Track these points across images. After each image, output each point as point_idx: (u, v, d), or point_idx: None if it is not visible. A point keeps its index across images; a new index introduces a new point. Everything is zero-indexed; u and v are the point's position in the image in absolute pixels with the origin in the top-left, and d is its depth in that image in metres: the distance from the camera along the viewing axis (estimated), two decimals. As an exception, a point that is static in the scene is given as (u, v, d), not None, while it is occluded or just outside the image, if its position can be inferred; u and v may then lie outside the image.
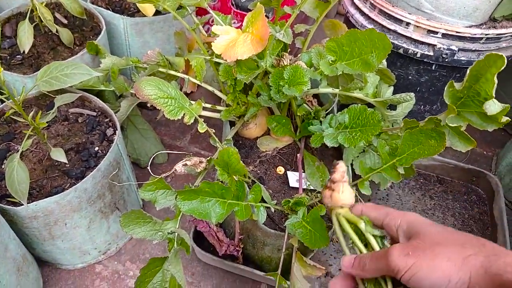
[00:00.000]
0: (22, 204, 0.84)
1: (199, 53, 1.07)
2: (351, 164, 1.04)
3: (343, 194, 0.58)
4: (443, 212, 1.32)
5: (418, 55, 1.09)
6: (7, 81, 1.09)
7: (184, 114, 0.82)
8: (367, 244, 0.54)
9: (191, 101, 0.87)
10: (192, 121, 0.84)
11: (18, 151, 0.89)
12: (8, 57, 1.20)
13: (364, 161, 0.97)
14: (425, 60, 1.09)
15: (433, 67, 1.11)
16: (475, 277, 0.40)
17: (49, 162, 0.97)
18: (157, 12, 1.35)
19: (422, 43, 1.07)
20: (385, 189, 1.39)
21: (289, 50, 1.00)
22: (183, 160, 0.84)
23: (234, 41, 0.86)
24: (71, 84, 0.78)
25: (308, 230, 0.83)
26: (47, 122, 1.06)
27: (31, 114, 0.89)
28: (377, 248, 0.53)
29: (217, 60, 1.06)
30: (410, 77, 1.17)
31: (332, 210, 0.59)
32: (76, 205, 0.92)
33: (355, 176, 1.00)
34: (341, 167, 0.60)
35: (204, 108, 1.09)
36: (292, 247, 0.91)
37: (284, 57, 0.97)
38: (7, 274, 0.85)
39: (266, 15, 0.83)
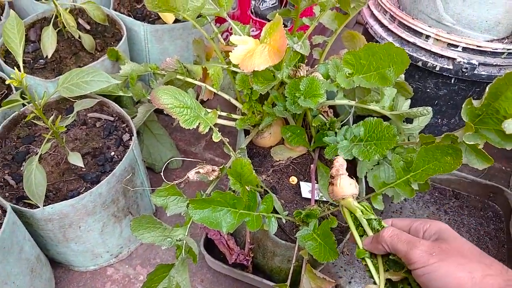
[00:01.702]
0: (39, 207, 0.86)
1: (217, 61, 1.08)
2: (365, 177, 1.02)
3: (341, 186, 0.65)
4: (458, 227, 1.29)
5: (437, 69, 1.07)
6: (29, 85, 1.11)
7: (199, 123, 0.83)
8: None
9: (207, 110, 0.88)
10: (207, 130, 0.84)
11: (37, 154, 0.91)
12: (31, 61, 1.23)
13: (378, 174, 0.96)
14: (444, 73, 1.07)
15: (452, 81, 1.10)
16: None
17: (66, 165, 0.99)
18: (177, 20, 1.36)
19: (442, 56, 1.06)
20: (398, 203, 1.37)
21: (306, 61, 1.00)
22: (196, 168, 0.85)
23: (251, 52, 0.86)
24: (91, 91, 0.80)
25: (318, 243, 0.82)
26: (66, 126, 1.08)
27: (51, 118, 0.91)
28: (369, 232, 0.60)
29: (234, 69, 1.06)
30: (428, 90, 1.16)
31: (339, 203, 0.66)
32: (90, 209, 0.94)
33: (368, 189, 0.99)
34: (337, 162, 0.68)
35: (220, 116, 1.09)
36: (302, 259, 0.91)
37: (301, 68, 0.97)
38: (21, 275, 0.87)
39: (284, 24, 0.83)
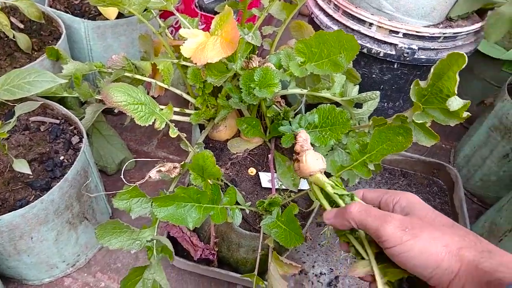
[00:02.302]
0: (-16, 220, 0.80)
1: (166, 56, 1.06)
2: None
3: (307, 162, 0.61)
4: (408, 204, 1.37)
5: (381, 54, 1.12)
6: (-40, 90, 1.02)
7: (155, 119, 0.81)
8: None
9: (161, 106, 0.86)
10: (163, 126, 0.83)
11: (-23, 163, 0.84)
12: (-40, 64, 1.13)
13: (333, 159, 0.99)
14: (387, 59, 1.13)
15: (395, 66, 1.15)
16: (465, 269, 0.41)
17: (11, 174, 0.92)
18: (120, 15, 1.32)
19: (385, 42, 1.11)
20: (353, 186, 1.43)
21: (257, 52, 1.01)
22: (157, 167, 0.83)
23: (203, 44, 0.85)
24: (35, 92, 0.75)
25: (283, 230, 0.84)
26: (6, 132, 1.01)
27: (-11, 125, 0.84)
28: (341, 203, 0.56)
29: (184, 63, 1.05)
30: (373, 76, 1.21)
31: (306, 179, 0.62)
32: (42, 218, 0.88)
33: (326, 175, 1.02)
34: (300, 137, 0.64)
35: (174, 112, 1.07)
36: (268, 248, 0.92)
37: (252, 59, 0.97)
38: (-30, 295, 0.81)
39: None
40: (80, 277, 1.11)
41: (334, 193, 0.58)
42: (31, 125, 1.05)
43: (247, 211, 0.96)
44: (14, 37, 1.13)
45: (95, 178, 1.06)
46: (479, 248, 0.42)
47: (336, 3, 1.15)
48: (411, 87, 0.68)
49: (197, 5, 1.62)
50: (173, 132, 0.85)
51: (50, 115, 1.07)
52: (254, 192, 1.06)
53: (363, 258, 0.52)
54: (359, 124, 1.06)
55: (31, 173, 0.90)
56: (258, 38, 0.90)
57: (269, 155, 1.08)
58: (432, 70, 0.65)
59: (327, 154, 1.08)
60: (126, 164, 1.31)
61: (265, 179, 1.07)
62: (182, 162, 0.87)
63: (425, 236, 0.43)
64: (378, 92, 0.93)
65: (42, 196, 0.87)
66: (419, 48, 1.09)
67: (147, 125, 0.79)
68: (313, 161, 0.62)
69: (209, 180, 0.80)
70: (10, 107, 1.03)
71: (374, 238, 0.48)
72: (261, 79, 0.86)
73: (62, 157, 0.98)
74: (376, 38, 1.11)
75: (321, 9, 1.21)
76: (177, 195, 0.73)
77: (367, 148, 0.82)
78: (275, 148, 1.13)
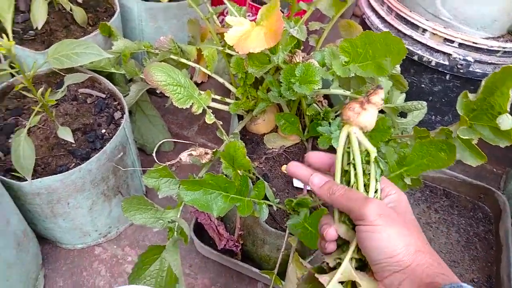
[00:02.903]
0: (26, 180, 0.85)
1: (212, 43, 1.07)
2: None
3: (373, 118, 0.53)
4: (447, 227, 1.31)
5: (433, 63, 1.07)
6: (18, 55, 1.08)
7: (192, 103, 0.82)
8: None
9: (201, 91, 0.87)
10: (200, 111, 0.84)
11: (25, 126, 0.89)
12: (21, 32, 1.20)
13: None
14: (439, 69, 1.08)
15: (447, 77, 1.10)
16: (412, 268, 0.44)
17: (55, 140, 0.97)
18: (173, -1, 1.34)
19: (438, 51, 1.06)
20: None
21: (302, 47, 0.99)
22: (189, 150, 0.84)
23: (247, 34, 0.85)
24: (81, 64, 0.78)
25: (309, 231, 0.83)
26: (56, 100, 1.06)
27: (40, 91, 0.89)
28: (373, 186, 0.52)
29: (229, 51, 1.05)
30: (423, 86, 1.16)
31: (348, 125, 0.54)
32: (79, 186, 0.92)
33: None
34: (382, 93, 0.55)
35: (213, 100, 1.08)
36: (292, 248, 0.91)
37: (296, 54, 0.96)
38: (7, 248, 0.86)
39: (281, 10, 0.82)
40: (109, 248, 1.15)
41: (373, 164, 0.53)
42: (79, 96, 1.09)
43: (275, 208, 0.95)
44: (71, 10, 1.17)
45: (132, 154, 1.10)
46: (433, 257, 0.46)
47: (389, 5, 1.11)
48: (458, 98, 0.65)
49: (250, -5, 1.62)
50: (209, 118, 0.85)
51: (98, 89, 1.11)
52: (285, 190, 1.06)
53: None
54: (402, 134, 1.03)
55: (73, 142, 0.94)
56: (303, 32, 0.88)
57: (305, 155, 1.07)
58: (483, 82, 0.62)
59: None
60: (162, 143, 1.34)
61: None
62: (215, 150, 0.87)
63: (394, 228, 0.46)
64: (424, 103, 0.90)
65: (81, 165, 0.90)
66: (475, 61, 1.03)
67: (184, 107, 0.81)
68: (374, 122, 0.54)
69: (239, 171, 0.80)
70: (61, 76, 1.08)
71: (350, 216, 0.50)
72: (302, 75, 0.84)
73: (103, 130, 1.01)
74: (428, 46, 1.07)
75: (374, 10, 1.17)
76: (205, 181, 0.74)
77: (405, 161, 0.79)
78: (312, 149, 1.11)
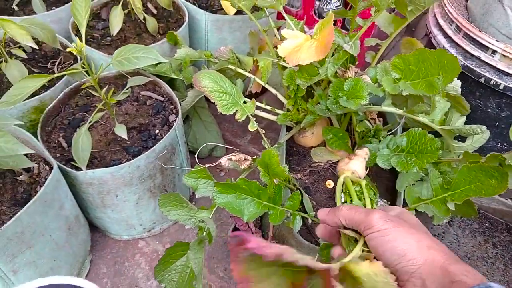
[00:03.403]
0: (82, 170, 0.92)
1: (268, 55, 1.09)
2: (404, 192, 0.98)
3: (360, 165, 0.71)
4: (505, 264, 1.19)
5: (501, 87, 0.99)
6: (93, 58, 1.19)
7: (236, 110, 0.84)
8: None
9: (246, 99, 0.89)
10: (243, 118, 0.85)
11: (89, 121, 0.97)
12: (99, 38, 1.32)
13: (414, 189, 0.91)
14: (508, 93, 0.99)
15: (517, 103, 1.01)
16: (429, 265, 0.43)
17: (113, 136, 1.05)
18: (238, 12, 1.39)
19: (508, 74, 0.98)
20: (440, 225, 1.29)
21: (357, 63, 0.97)
22: (229, 155, 0.86)
23: (300, 46, 0.86)
24: (140, 66, 0.84)
25: (341, 248, 0.80)
26: (120, 101, 1.15)
27: (104, 89, 0.97)
28: (368, 202, 0.62)
29: (284, 64, 1.06)
30: (489, 110, 1.07)
31: (342, 173, 0.69)
32: (128, 180, 0.98)
33: (405, 205, 0.94)
34: (367, 149, 0.77)
35: (264, 110, 1.10)
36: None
37: (350, 69, 0.94)
38: (58, 230, 0.94)
39: (346, 28, 0.82)
40: (152, 243, 1.20)
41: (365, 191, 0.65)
42: (141, 98, 1.17)
43: (310, 221, 0.93)
44: (144, 19, 1.27)
45: (182, 156, 1.14)
46: (448, 254, 0.45)
47: (458, 24, 1.05)
48: (512, 123, 0.59)
49: (316, 12, 1.63)
50: (252, 126, 0.87)
51: (158, 93, 1.18)
52: (326, 204, 1.03)
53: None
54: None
55: (127, 138, 1.00)
56: (356, 47, 0.87)
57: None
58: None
59: (414, 184, 0.99)
60: (214, 149, 1.38)
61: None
62: (255, 157, 0.88)
63: (402, 229, 0.47)
64: (484, 127, 0.83)
65: (131, 160, 0.96)
66: (550, 87, 0.94)
67: (228, 113, 0.83)
68: (363, 169, 0.72)
69: (274, 180, 0.80)
70: (127, 79, 1.16)
71: (359, 230, 0.51)
72: (350, 89, 0.83)
73: (157, 131, 1.07)
74: (497, 68, 0.99)
75: (441, 29, 1.11)
76: (239, 186, 0.75)
77: (451, 185, 0.74)
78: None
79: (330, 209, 0.57)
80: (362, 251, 0.51)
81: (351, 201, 0.63)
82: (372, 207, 0.60)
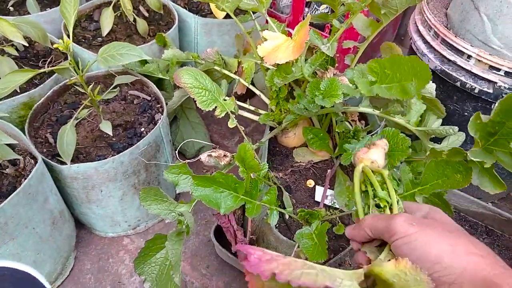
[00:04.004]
0: (66, 164, 0.95)
1: (252, 56, 1.12)
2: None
3: (380, 154, 0.64)
4: (484, 265, 1.21)
5: (476, 91, 1.02)
6: (84, 58, 1.22)
7: (216, 106, 0.87)
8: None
9: (226, 97, 0.92)
10: (223, 115, 0.88)
11: (74, 118, 1.00)
12: (91, 38, 1.35)
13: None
14: (483, 97, 1.02)
15: (492, 106, 1.04)
16: (470, 275, 0.37)
17: (99, 133, 1.07)
18: (227, 16, 1.42)
19: (482, 78, 1.01)
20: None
21: (336, 65, 1.01)
22: (209, 151, 0.88)
23: (278, 46, 0.89)
24: (123, 63, 0.87)
25: (314, 243, 0.82)
26: (108, 99, 1.17)
27: (90, 86, 0.99)
28: (393, 194, 0.55)
29: (267, 65, 1.09)
30: (466, 114, 1.11)
31: (361, 162, 0.62)
32: (112, 175, 1.00)
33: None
34: (386, 141, 0.69)
35: (247, 110, 1.13)
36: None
37: (328, 70, 0.97)
38: (42, 224, 0.96)
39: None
40: (136, 240, 1.22)
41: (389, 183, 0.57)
42: (128, 97, 1.20)
43: (287, 216, 0.96)
44: (135, 21, 1.30)
45: (167, 154, 1.17)
46: (493, 260, 0.38)
47: (436, 30, 1.09)
48: (471, 119, 0.62)
49: (305, 18, 1.66)
50: (232, 123, 0.89)
51: (145, 92, 1.21)
52: (306, 203, 1.06)
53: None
54: (432, 159, 0.98)
55: (112, 135, 1.03)
56: (333, 49, 0.90)
57: (329, 170, 1.07)
58: (497, 104, 0.59)
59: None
60: (200, 149, 1.40)
61: (320, 193, 1.05)
62: (234, 153, 0.91)
63: (433, 231, 0.41)
64: (456, 128, 0.86)
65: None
66: (522, 91, 0.97)
67: (207, 109, 0.85)
68: (384, 159, 0.66)
69: (251, 174, 0.82)
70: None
71: (385, 239, 0.45)
72: (326, 88, 0.86)
73: (142, 129, 1.10)
74: (472, 72, 1.02)
75: (421, 35, 1.15)
76: (216, 179, 0.77)
77: (420, 180, 0.76)
78: (340, 166, 1.10)
79: (356, 224, 0.52)
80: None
81: (374, 192, 0.57)
82: (397, 202, 0.54)
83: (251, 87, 1.13)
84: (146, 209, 0.84)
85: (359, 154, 0.64)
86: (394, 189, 0.57)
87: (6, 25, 0.97)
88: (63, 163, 0.97)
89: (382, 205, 0.57)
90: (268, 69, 1.10)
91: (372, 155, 0.64)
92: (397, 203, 0.55)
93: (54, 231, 1.01)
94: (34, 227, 0.93)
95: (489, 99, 1.02)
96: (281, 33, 1.03)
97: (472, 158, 0.64)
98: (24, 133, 1.00)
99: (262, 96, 1.16)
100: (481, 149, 0.64)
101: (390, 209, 0.55)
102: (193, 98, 0.85)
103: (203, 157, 0.88)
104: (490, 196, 1.39)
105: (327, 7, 1.55)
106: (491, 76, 1.00)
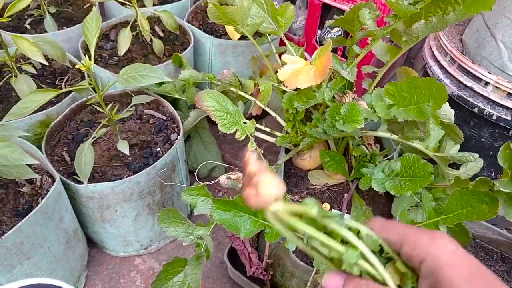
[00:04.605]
0: (83, 183, 0.94)
1: (269, 79, 1.13)
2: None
3: (272, 186, 0.38)
4: (500, 293, 1.19)
5: (494, 118, 1.02)
6: (100, 76, 1.23)
7: (236, 129, 0.87)
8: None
9: (246, 120, 0.92)
10: (243, 137, 0.88)
11: (92, 137, 1.00)
12: (107, 57, 1.36)
13: (409, 214, 0.93)
14: (501, 124, 1.02)
15: (510, 133, 1.04)
16: None
17: (115, 152, 1.07)
18: (242, 38, 1.44)
19: (500, 105, 1.01)
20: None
21: (354, 89, 1.01)
22: (228, 174, 0.88)
23: (298, 71, 0.89)
24: (144, 85, 0.87)
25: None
26: (124, 118, 1.18)
27: (109, 106, 1.00)
28: (351, 237, 0.36)
29: (284, 88, 1.10)
30: (483, 140, 1.10)
31: (266, 211, 0.40)
32: (127, 195, 1.00)
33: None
34: (251, 156, 0.41)
35: (263, 132, 1.13)
36: (319, 285, 0.89)
37: (347, 94, 0.98)
38: (56, 243, 0.95)
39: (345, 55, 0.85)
40: (148, 260, 1.21)
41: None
42: (144, 116, 1.20)
43: (305, 241, 0.95)
44: (151, 41, 1.32)
45: (182, 174, 1.16)
46: None
47: (452, 56, 1.09)
48: (500, 149, 0.62)
49: (317, 40, 1.68)
50: (251, 146, 0.89)
51: (161, 112, 1.22)
52: (322, 227, 1.05)
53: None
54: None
55: (129, 154, 1.03)
56: (353, 74, 0.90)
57: (346, 194, 1.06)
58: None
59: (409, 209, 1.01)
60: (213, 168, 1.40)
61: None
62: (253, 176, 0.90)
63: None
64: (476, 155, 0.86)
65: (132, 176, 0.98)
66: (541, 118, 0.97)
67: (228, 132, 0.86)
68: (276, 184, 0.32)
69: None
70: (131, 98, 1.20)
71: None
72: (347, 113, 0.86)
73: (158, 149, 1.10)
74: (490, 99, 1.02)
75: (436, 60, 1.16)
76: (236, 203, 0.77)
77: (443, 209, 0.76)
78: (356, 190, 1.09)
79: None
80: None
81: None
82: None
83: (267, 109, 1.13)
84: (164, 231, 0.83)
85: (252, 204, 0.37)
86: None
87: (26, 44, 0.98)
88: (79, 182, 0.97)
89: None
90: (284, 91, 1.11)
91: (267, 193, 0.38)
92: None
93: (67, 251, 1.00)
94: (49, 247, 0.93)
95: (507, 126, 1.02)
96: (299, 56, 1.04)
97: (501, 189, 0.64)
98: (41, 150, 1.00)
99: (278, 119, 1.16)
100: (509, 179, 0.63)
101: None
102: (212, 119, 0.85)
103: (222, 179, 0.88)
104: (506, 222, 1.38)
105: (339, 30, 1.56)
106: (509, 103, 1.00)
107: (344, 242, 0.37)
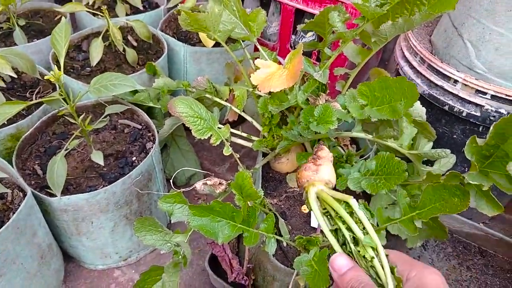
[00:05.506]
0: (56, 196, 0.92)
1: (244, 84, 1.13)
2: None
3: (330, 170, 0.53)
4: (479, 286, 1.21)
5: (464, 114, 1.05)
6: (74, 88, 1.21)
7: (211, 135, 0.86)
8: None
9: (220, 125, 0.92)
10: (218, 142, 0.88)
11: (64, 148, 0.98)
12: (79, 68, 1.34)
13: (384, 211, 0.94)
14: (471, 120, 1.05)
15: (480, 129, 1.07)
16: None
17: (89, 163, 1.05)
18: (216, 45, 1.44)
19: (469, 102, 1.04)
20: (417, 250, 1.31)
21: (328, 91, 1.02)
22: (204, 179, 0.88)
23: (271, 75, 0.90)
24: (116, 93, 0.86)
25: (314, 270, 0.81)
26: (98, 129, 1.16)
27: (81, 117, 0.98)
28: (368, 224, 0.48)
29: (258, 92, 1.10)
30: (455, 136, 1.13)
31: (312, 187, 0.51)
32: (103, 206, 0.98)
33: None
34: (326, 148, 0.57)
35: (240, 137, 1.13)
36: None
37: (320, 97, 0.99)
38: (30, 258, 0.92)
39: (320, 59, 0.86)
40: (128, 272, 1.18)
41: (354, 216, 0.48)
42: (119, 126, 1.18)
43: (285, 244, 0.94)
44: (124, 51, 1.30)
45: (159, 183, 1.15)
46: None
47: (422, 56, 1.12)
48: (467, 143, 0.63)
49: (292, 45, 1.70)
50: (227, 150, 0.89)
51: (136, 121, 1.20)
52: (302, 229, 1.05)
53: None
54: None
55: (103, 165, 1.01)
56: (325, 76, 0.91)
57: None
58: (492, 128, 0.60)
59: (387, 207, 1.03)
60: (192, 176, 1.39)
61: (316, 219, 1.05)
62: (230, 181, 0.90)
63: None
64: (448, 150, 0.88)
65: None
66: (508, 113, 1.00)
67: (202, 138, 0.85)
68: (334, 174, 0.53)
69: (248, 202, 0.82)
70: (105, 108, 1.18)
71: None
72: (320, 115, 0.87)
73: (134, 158, 1.08)
74: (460, 96, 1.05)
75: (407, 61, 1.18)
76: (213, 208, 0.76)
77: (418, 204, 0.77)
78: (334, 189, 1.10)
79: (349, 270, 0.48)
80: None
81: (350, 231, 0.49)
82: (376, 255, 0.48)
83: (243, 114, 1.14)
84: (141, 240, 0.81)
85: (306, 174, 0.53)
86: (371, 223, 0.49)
87: (-6, 57, 0.96)
88: (52, 195, 0.94)
89: (367, 257, 0.49)
90: (259, 96, 1.11)
91: (324, 174, 0.53)
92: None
93: (42, 266, 0.98)
94: (22, 263, 0.90)
95: (477, 122, 1.05)
96: (272, 61, 1.05)
97: (470, 181, 0.65)
98: (11, 165, 0.97)
99: (255, 123, 1.16)
100: (478, 172, 0.65)
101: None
102: (188, 127, 0.85)
103: (198, 185, 0.87)
104: (481, 216, 1.41)
105: (313, 35, 1.58)
106: (478, 100, 1.02)
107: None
